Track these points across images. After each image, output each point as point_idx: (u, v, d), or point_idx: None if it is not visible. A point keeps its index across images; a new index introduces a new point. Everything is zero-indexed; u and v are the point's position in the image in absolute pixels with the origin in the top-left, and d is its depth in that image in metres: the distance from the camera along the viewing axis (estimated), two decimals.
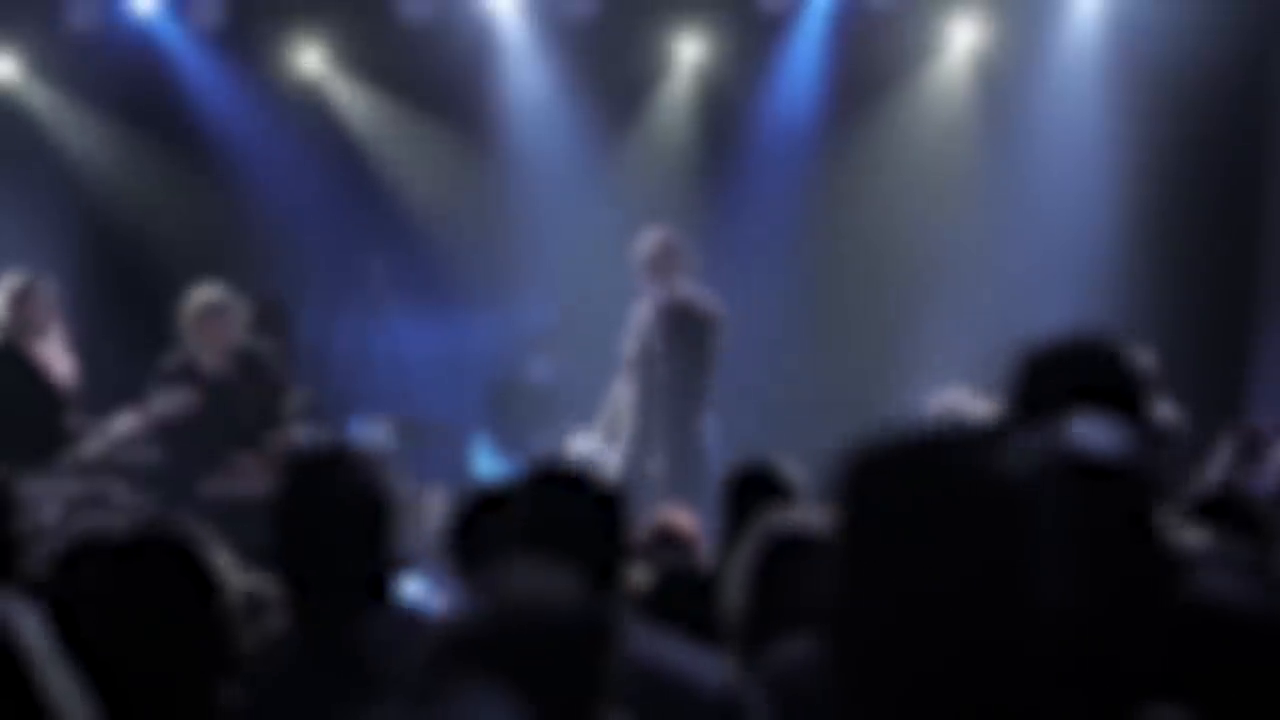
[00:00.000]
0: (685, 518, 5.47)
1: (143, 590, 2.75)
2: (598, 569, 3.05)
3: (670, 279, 8.73)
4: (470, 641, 2.13)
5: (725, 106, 10.78)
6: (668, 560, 4.65)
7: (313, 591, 3.23)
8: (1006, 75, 10.39)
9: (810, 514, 3.63)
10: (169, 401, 8.15)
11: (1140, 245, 9.91)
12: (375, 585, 3.26)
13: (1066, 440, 2.12)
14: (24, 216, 10.45)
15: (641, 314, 8.84)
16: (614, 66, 10.68)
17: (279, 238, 10.70)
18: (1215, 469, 7.05)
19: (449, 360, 10.90)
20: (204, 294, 8.34)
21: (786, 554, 3.53)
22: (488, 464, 10.13)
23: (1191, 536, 2.73)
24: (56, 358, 8.44)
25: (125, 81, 10.75)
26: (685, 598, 4.03)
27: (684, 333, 8.69)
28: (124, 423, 8.21)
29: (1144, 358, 3.32)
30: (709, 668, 3.22)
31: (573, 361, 10.21)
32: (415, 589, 5.52)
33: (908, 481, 1.69)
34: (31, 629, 2.50)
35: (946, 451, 1.69)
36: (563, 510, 3.23)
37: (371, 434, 9.79)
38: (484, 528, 3.53)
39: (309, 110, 10.94)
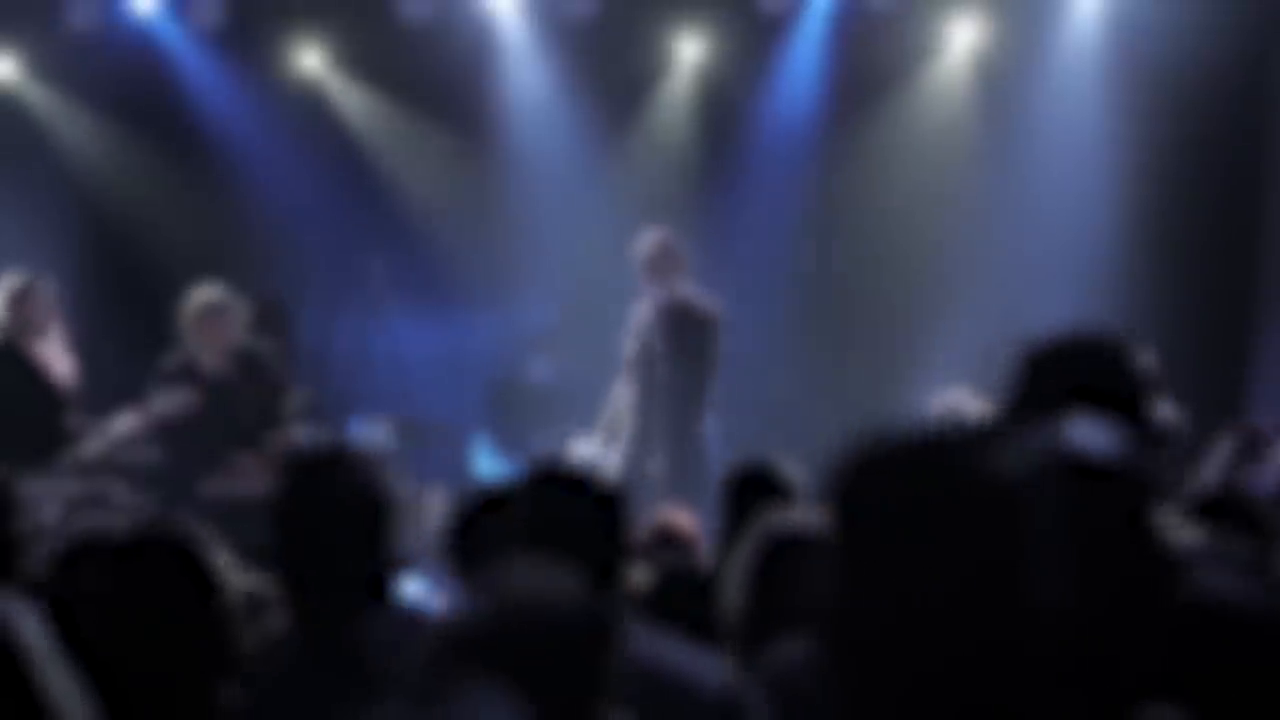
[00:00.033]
0: (685, 518, 5.47)
1: (143, 590, 2.75)
2: (598, 569, 3.05)
3: (669, 279, 8.73)
4: (471, 640, 2.13)
5: (725, 106, 10.78)
6: (668, 560, 4.65)
7: (313, 591, 3.23)
8: (1006, 75, 10.39)
9: (810, 514, 3.64)
10: (169, 401, 8.15)
11: (1140, 245, 9.90)
12: (375, 585, 3.26)
13: (1064, 441, 2.12)
14: (24, 216, 10.45)
15: (641, 314, 8.85)
16: (614, 66, 10.68)
17: (279, 238, 10.70)
18: (1213, 468, 7.04)
19: (449, 360, 10.90)
20: (204, 294, 8.35)
21: (785, 554, 3.53)
22: (488, 464, 10.13)
23: (1189, 535, 2.73)
24: (56, 358, 8.44)
25: (125, 81, 10.74)
26: (685, 598, 4.03)
27: (683, 333, 8.69)
28: (124, 423, 8.21)
29: (1144, 358, 3.31)
30: (709, 668, 3.22)
31: (573, 361, 10.22)
32: (415, 589, 5.52)
33: (905, 481, 1.69)
34: (31, 629, 2.50)
35: (944, 451, 1.69)
36: (563, 510, 3.23)
37: (371, 434, 9.79)
38: (484, 528, 3.53)
39: (309, 110, 10.94)
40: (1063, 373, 2.84)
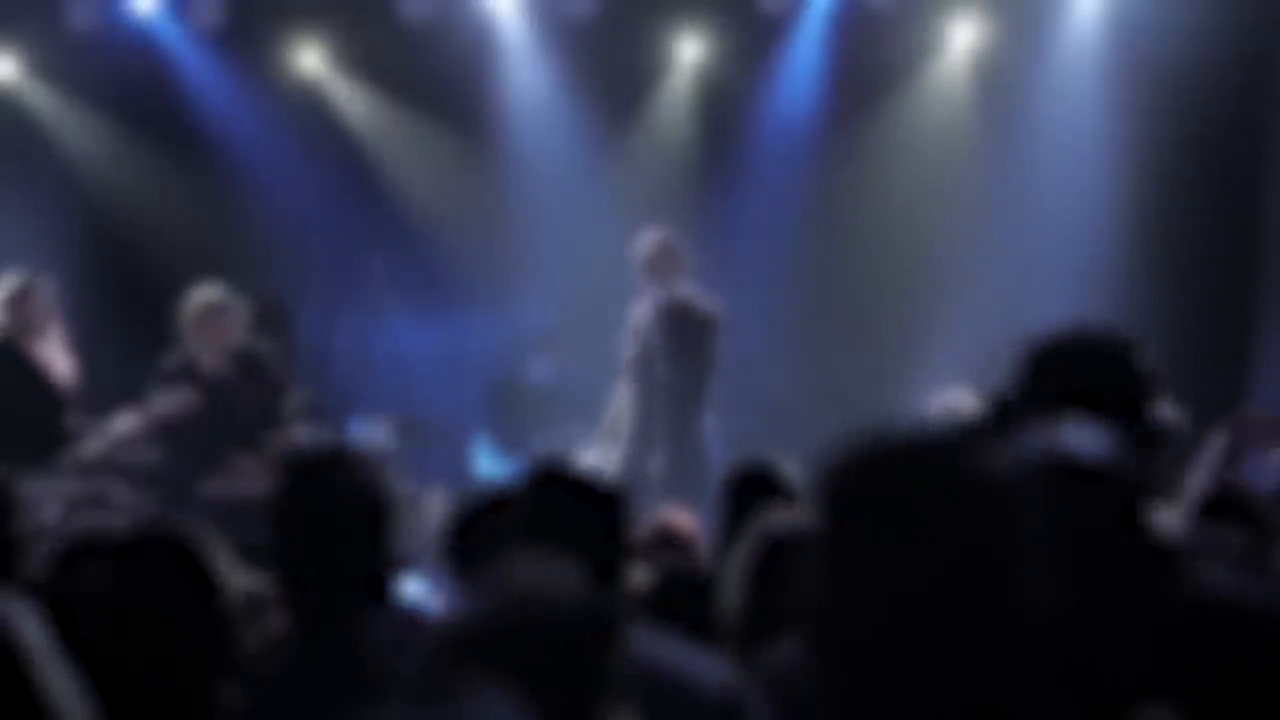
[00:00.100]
0: (685, 518, 5.47)
1: (143, 590, 2.75)
2: (598, 569, 3.04)
3: (669, 279, 8.74)
4: (473, 638, 2.12)
5: (725, 106, 10.78)
6: (668, 560, 4.65)
7: (313, 591, 3.23)
8: (1006, 75, 10.39)
9: (808, 514, 3.63)
10: (169, 401, 8.15)
11: (1140, 245, 9.90)
12: (375, 585, 3.26)
13: (1055, 442, 2.12)
14: (24, 216, 10.44)
15: (640, 314, 8.85)
16: (614, 66, 10.68)
17: (279, 238, 10.69)
18: (1206, 464, 7.04)
19: (449, 360, 10.90)
20: (204, 294, 8.35)
21: (784, 554, 3.53)
22: (488, 464, 10.13)
23: (1182, 530, 2.73)
24: (56, 358, 8.44)
25: (125, 81, 10.74)
26: (685, 598, 4.02)
27: (683, 333, 8.69)
28: (124, 423, 8.21)
29: (1145, 357, 3.31)
30: (709, 668, 3.22)
31: (573, 361, 10.22)
32: (415, 589, 5.52)
33: (895, 480, 1.69)
34: (31, 629, 2.50)
35: (934, 451, 1.69)
36: (563, 510, 3.23)
37: (371, 434, 9.79)
38: (484, 528, 3.53)
39: (309, 110, 10.93)
40: (1065, 371, 2.84)
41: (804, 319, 10.43)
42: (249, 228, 10.78)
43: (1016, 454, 1.70)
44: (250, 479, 8.03)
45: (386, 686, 2.99)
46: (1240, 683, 2.28)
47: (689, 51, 10.78)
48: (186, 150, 10.88)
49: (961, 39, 10.51)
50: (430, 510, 8.54)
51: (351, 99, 11.05)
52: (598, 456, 8.86)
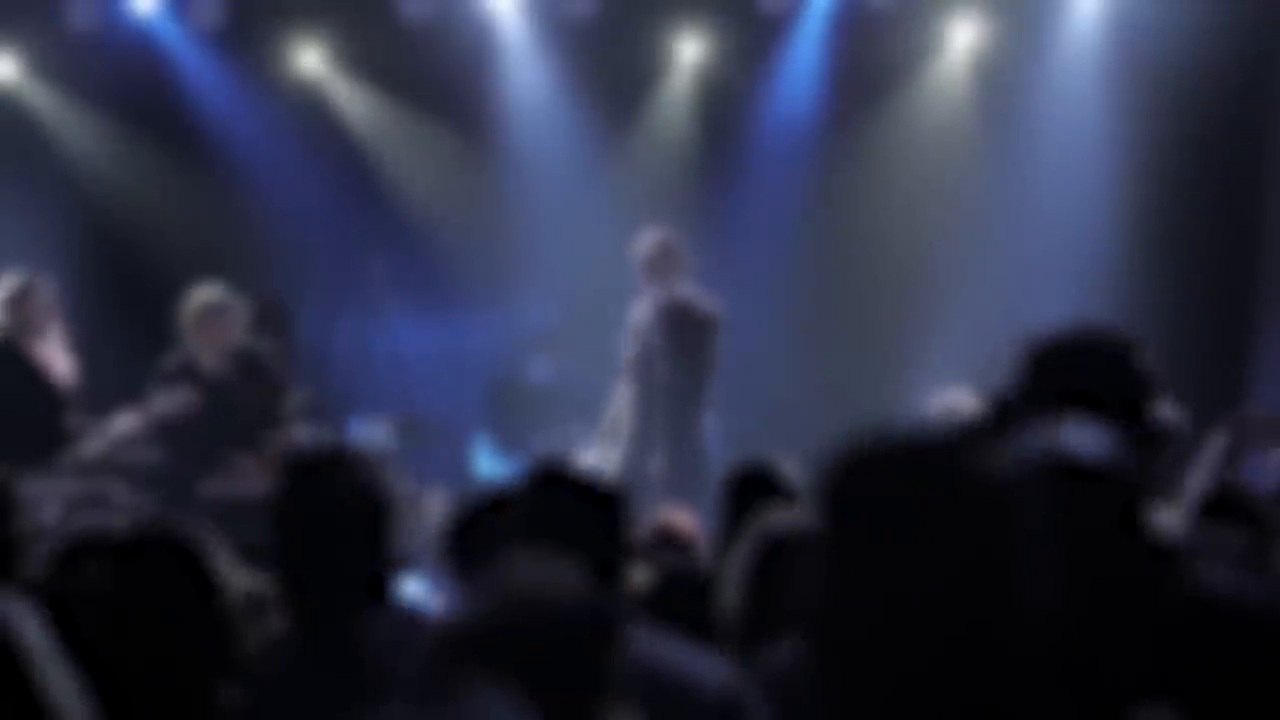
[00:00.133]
0: (685, 518, 5.47)
1: (143, 590, 2.75)
2: (598, 569, 3.05)
3: (669, 279, 8.74)
4: (473, 637, 2.12)
5: (725, 106, 10.78)
6: (668, 560, 4.65)
7: (313, 591, 3.23)
8: (1006, 75, 10.39)
9: (808, 514, 3.63)
10: (169, 401, 8.15)
11: (1140, 245, 9.90)
12: (375, 585, 3.26)
13: (1054, 442, 2.12)
14: (24, 216, 10.44)
15: (640, 314, 8.85)
16: (614, 66, 10.67)
17: (279, 238, 10.69)
18: (1205, 463, 7.04)
19: (449, 360, 10.90)
20: (204, 294, 8.35)
21: (783, 554, 3.53)
22: (488, 464, 10.13)
23: (1182, 530, 2.73)
24: (56, 358, 8.44)
25: (125, 81, 10.74)
26: (685, 598, 4.02)
27: (683, 333, 8.69)
28: (124, 423, 8.21)
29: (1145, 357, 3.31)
30: (709, 668, 3.22)
31: (573, 361, 10.21)
32: (415, 589, 5.52)
33: (894, 481, 1.69)
34: (31, 629, 2.50)
35: (933, 451, 1.69)
36: (563, 510, 3.23)
37: (371, 434, 9.79)
38: (484, 528, 3.53)
39: (309, 110, 10.93)
40: (1065, 371, 2.84)
41: (804, 319, 10.43)
42: (249, 228, 10.78)
43: (1016, 454, 1.70)
44: (250, 479, 8.03)
45: (387, 686, 2.99)
46: (1240, 682, 2.28)
47: (689, 51, 10.78)
48: (186, 150, 10.88)
49: (961, 39, 10.51)
50: (430, 510, 8.54)
51: (351, 99, 11.05)
52: (598, 457, 8.86)
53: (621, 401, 9.01)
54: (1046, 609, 1.66)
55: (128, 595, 2.73)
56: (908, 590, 1.64)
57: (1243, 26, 9.90)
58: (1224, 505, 4.05)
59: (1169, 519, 2.77)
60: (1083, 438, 2.16)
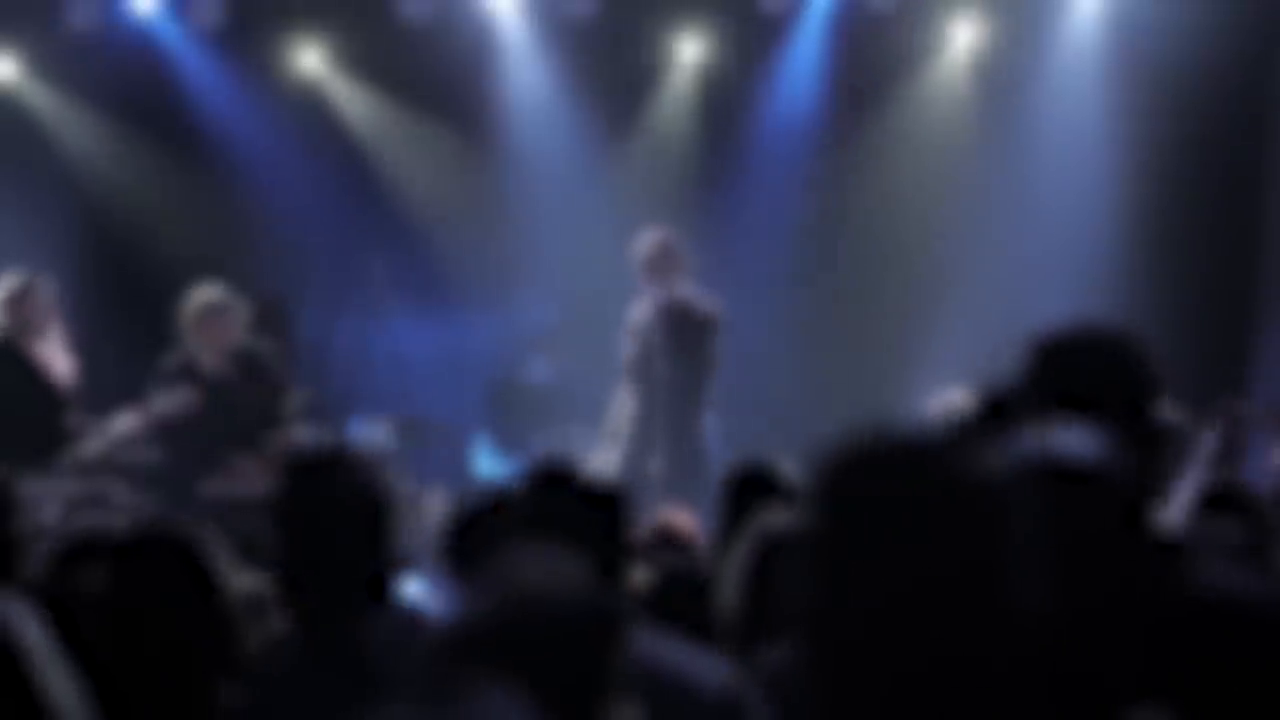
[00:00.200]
0: (685, 518, 5.47)
1: (143, 590, 2.75)
2: (599, 569, 3.04)
3: (668, 279, 8.73)
4: (476, 634, 2.12)
5: (726, 106, 10.78)
6: (668, 560, 4.65)
7: (313, 592, 3.23)
8: (1006, 75, 10.39)
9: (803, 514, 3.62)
10: (169, 401, 8.16)
11: (1140, 244, 9.90)
12: (375, 585, 3.26)
13: (1047, 444, 2.12)
14: (24, 216, 10.44)
15: (640, 314, 8.84)
16: (614, 66, 10.67)
17: (279, 238, 10.69)
18: (1200, 460, 7.03)
19: (449, 360, 10.90)
20: (204, 294, 8.35)
21: (782, 555, 3.53)
22: (488, 464, 10.12)
23: (1181, 527, 2.73)
24: (56, 358, 8.44)
25: (125, 81, 10.74)
26: (685, 598, 4.02)
27: (683, 333, 8.69)
28: (124, 423, 8.21)
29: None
30: (709, 668, 3.22)
31: (573, 361, 10.21)
32: (415, 589, 5.52)
33: (887, 482, 1.68)
34: (31, 629, 2.50)
35: (926, 453, 1.68)
36: (563, 510, 3.23)
37: (371, 434, 9.79)
38: (484, 528, 3.53)
39: (309, 110, 10.93)
40: (1065, 371, 2.83)
41: (804, 319, 10.42)
42: (249, 228, 10.78)
43: (1009, 455, 1.69)
44: (250, 479, 8.03)
45: (387, 686, 2.99)
46: (1239, 682, 2.28)
47: (689, 51, 10.78)
48: (186, 150, 10.88)
49: (961, 39, 10.51)
50: (430, 510, 8.54)
51: (351, 99, 11.05)
52: (602, 458, 8.86)
53: (624, 404, 9.00)
54: (1039, 611, 1.65)
55: (128, 595, 2.73)
56: (901, 591, 1.64)
57: (1243, 26, 9.90)
58: (1223, 501, 4.05)
59: (1167, 517, 2.77)
60: (1072, 440, 2.16)
